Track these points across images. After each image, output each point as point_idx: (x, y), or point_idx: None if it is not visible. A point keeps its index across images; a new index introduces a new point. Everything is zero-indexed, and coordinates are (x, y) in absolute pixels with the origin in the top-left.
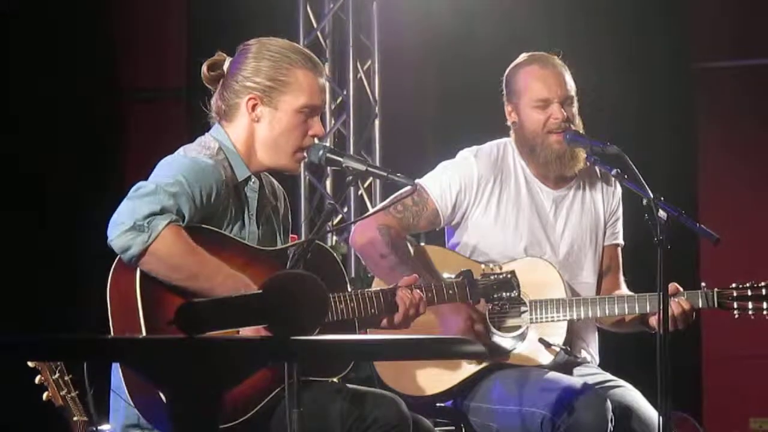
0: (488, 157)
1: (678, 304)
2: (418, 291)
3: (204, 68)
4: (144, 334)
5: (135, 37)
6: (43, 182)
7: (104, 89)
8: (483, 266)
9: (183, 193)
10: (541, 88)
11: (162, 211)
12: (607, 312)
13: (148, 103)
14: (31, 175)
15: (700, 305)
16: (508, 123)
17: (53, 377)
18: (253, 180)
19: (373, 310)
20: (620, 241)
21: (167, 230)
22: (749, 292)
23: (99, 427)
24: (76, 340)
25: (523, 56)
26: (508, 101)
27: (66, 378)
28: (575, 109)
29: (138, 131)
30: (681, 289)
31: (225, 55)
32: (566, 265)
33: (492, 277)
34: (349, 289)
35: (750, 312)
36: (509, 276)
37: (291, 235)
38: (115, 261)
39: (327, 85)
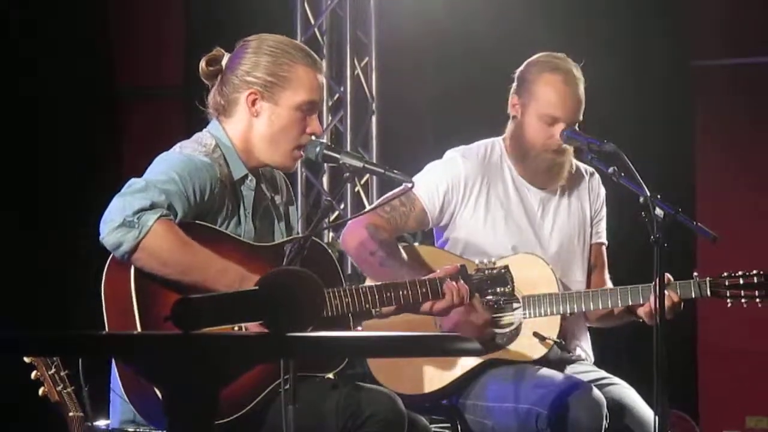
0: (476, 157)
1: (668, 297)
2: (463, 283)
3: (202, 63)
4: (139, 330)
5: (133, 36)
6: (43, 181)
7: (102, 87)
8: (477, 262)
9: (176, 190)
10: (557, 105)
11: (152, 207)
12: (600, 305)
13: (146, 101)
14: (29, 174)
15: (693, 295)
16: (509, 112)
17: (49, 373)
18: (249, 178)
19: (367, 305)
20: (604, 240)
21: (158, 225)
22: (741, 281)
23: (94, 423)
24: (73, 336)
25: (549, 58)
26: (517, 94)
27: (62, 374)
28: (576, 127)
29: (136, 129)
30: (672, 279)
31: (223, 51)
32: (556, 265)
33: (486, 272)
34: (344, 285)
35: (743, 300)
36: (503, 271)
37: None
38: (109, 258)
39: (325, 82)
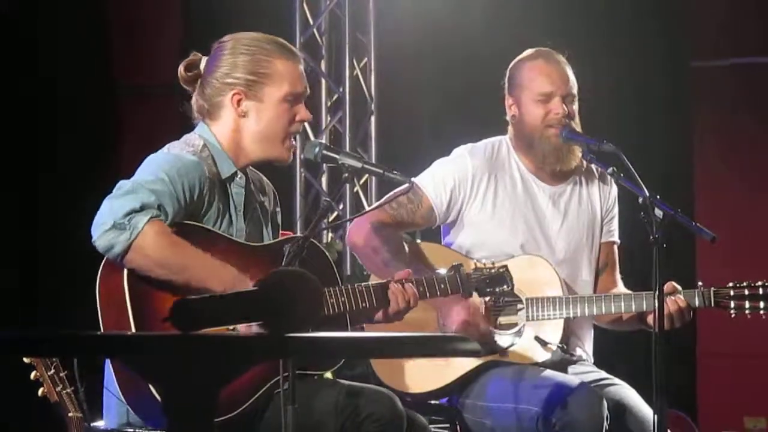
0: (483, 154)
1: (674, 302)
2: (410, 285)
3: (181, 69)
4: (133, 331)
5: (131, 35)
6: (42, 179)
7: (100, 86)
8: (476, 261)
9: (165, 190)
10: (545, 82)
11: (142, 208)
12: (603, 310)
13: (145, 99)
14: (29, 173)
15: (697, 304)
16: (507, 117)
17: (48, 373)
18: (239, 176)
19: (364, 304)
20: (616, 239)
21: (148, 226)
22: (746, 292)
23: (93, 424)
24: (73, 337)
25: (528, 51)
26: (509, 94)
27: (61, 374)
28: (576, 107)
29: (134, 128)
30: (678, 287)
31: (200, 54)
32: (564, 262)
33: (484, 272)
34: (340, 284)
35: (747, 311)
36: (502, 270)
37: (282, 231)
38: (104, 259)
39: (305, 72)
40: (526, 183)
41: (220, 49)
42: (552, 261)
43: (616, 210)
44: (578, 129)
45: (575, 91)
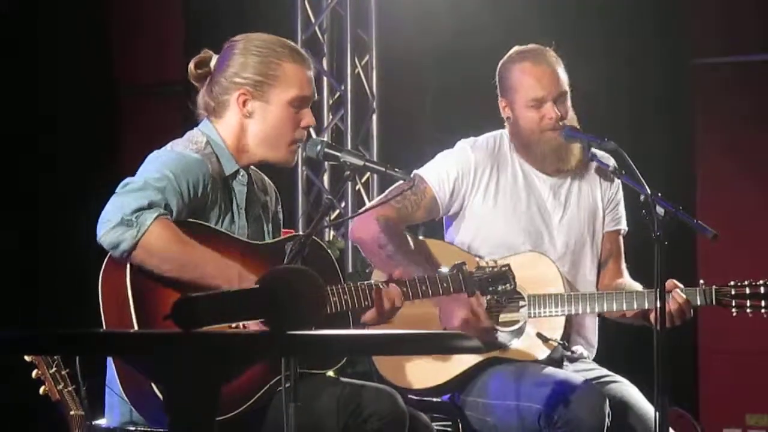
0: (485, 147)
1: (674, 300)
2: (393, 285)
3: (191, 66)
4: (135, 328)
5: (133, 34)
6: (43, 179)
7: (103, 85)
8: (478, 259)
9: (170, 188)
10: (535, 86)
11: (150, 206)
12: (605, 308)
13: (146, 99)
14: (30, 173)
15: (699, 302)
16: (503, 116)
17: (50, 372)
18: (241, 174)
19: (366, 303)
20: (622, 226)
21: (155, 224)
22: (747, 290)
23: (94, 422)
24: (74, 335)
25: (515, 51)
26: (502, 96)
27: (63, 372)
28: (569, 102)
29: (136, 128)
30: (679, 285)
31: (211, 52)
32: (566, 254)
33: (487, 270)
34: (342, 283)
35: (748, 310)
36: (504, 269)
37: (284, 230)
38: (106, 258)
39: (314, 77)
40: (527, 176)
41: (231, 49)
42: (554, 252)
43: (620, 196)
44: (575, 124)
45: (566, 87)
